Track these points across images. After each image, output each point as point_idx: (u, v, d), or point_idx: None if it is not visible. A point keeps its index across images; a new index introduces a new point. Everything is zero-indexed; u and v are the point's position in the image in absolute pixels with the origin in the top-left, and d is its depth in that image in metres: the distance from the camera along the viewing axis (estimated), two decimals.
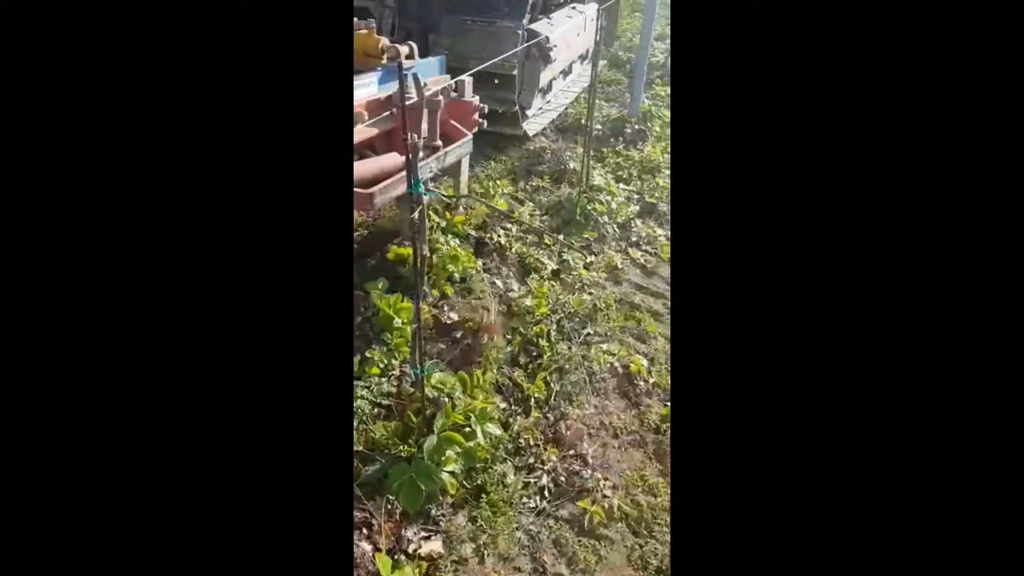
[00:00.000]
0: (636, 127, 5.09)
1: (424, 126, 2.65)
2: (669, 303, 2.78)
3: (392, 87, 2.66)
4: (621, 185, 4.15)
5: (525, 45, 3.94)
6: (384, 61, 2.68)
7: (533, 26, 4.10)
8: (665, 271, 3.30)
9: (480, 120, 3.00)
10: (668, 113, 5.30)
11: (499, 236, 3.26)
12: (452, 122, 2.86)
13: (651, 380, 2.46)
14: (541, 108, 5.04)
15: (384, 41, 2.68)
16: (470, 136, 2.91)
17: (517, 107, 4.27)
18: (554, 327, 2.64)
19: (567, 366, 2.43)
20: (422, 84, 2.47)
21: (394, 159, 2.49)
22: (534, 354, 2.51)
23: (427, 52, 3.74)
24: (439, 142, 2.69)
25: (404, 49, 2.72)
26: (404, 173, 2.47)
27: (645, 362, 2.54)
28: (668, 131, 5.01)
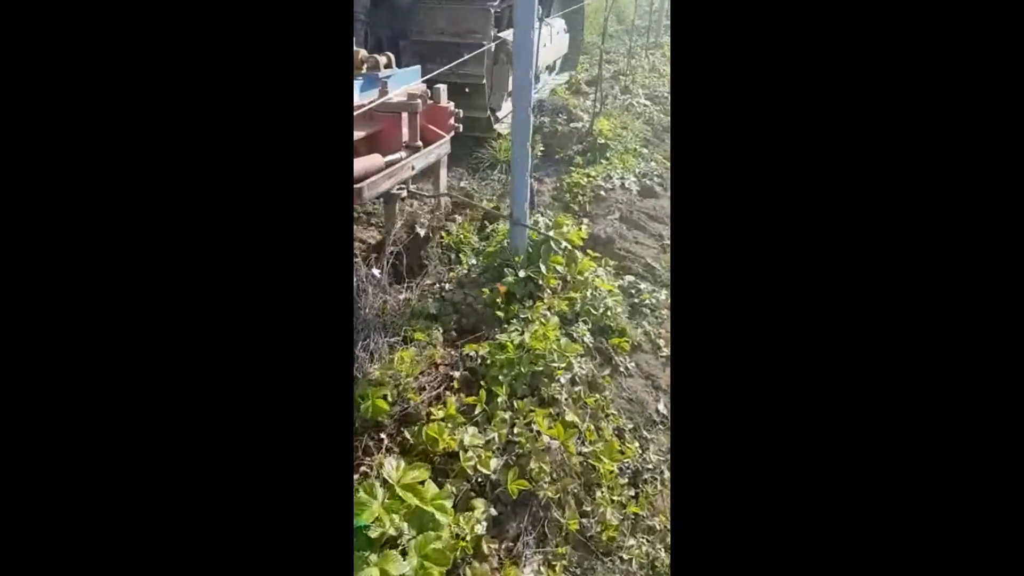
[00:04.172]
0: (521, 274, 2.62)
1: (405, 129, 2.85)
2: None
3: (372, 94, 2.84)
4: (475, 446, 1.79)
5: (494, 45, 4.16)
6: (364, 71, 2.87)
7: (501, 35, 4.34)
8: None
9: (456, 124, 3.21)
10: (580, 233, 3.00)
11: None
12: (430, 126, 3.07)
13: None
14: (511, 111, 5.27)
15: (363, 52, 2.87)
16: (447, 138, 3.12)
17: (489, 112, 4.51)
18: None
19: None
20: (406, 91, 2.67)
21: (376, 160, 2.68)
22: None
23: (399, 58, 3.94)
24: (419, 143, 2.89)
25: (383, 59, 2.91)
26: (388, 171, 2.67)
27: None
28: (579, 277, 2.78)
